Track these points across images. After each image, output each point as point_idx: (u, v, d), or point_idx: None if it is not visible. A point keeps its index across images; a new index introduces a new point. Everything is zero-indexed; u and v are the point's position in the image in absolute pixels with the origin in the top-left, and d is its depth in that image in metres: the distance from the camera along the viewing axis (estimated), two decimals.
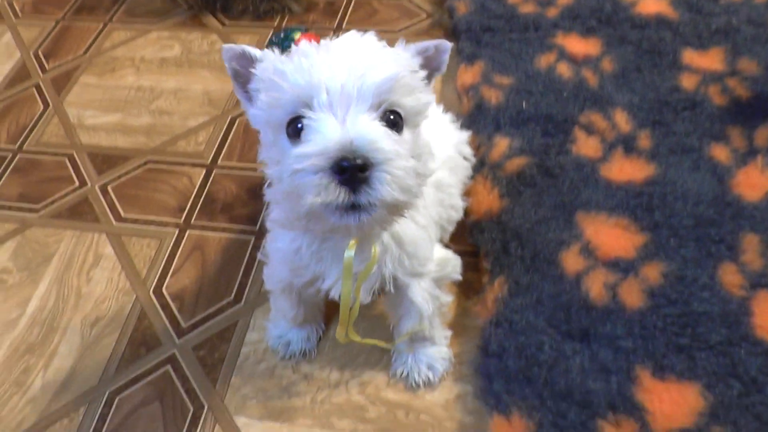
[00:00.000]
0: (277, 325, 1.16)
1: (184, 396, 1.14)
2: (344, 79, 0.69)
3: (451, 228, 1.14)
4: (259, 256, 1.06)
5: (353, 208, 0.69)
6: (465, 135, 1.20)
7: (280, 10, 1.89)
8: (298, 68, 0.70)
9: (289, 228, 0.86)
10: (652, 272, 1.14)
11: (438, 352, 1.07)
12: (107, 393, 1.17)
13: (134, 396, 1.16)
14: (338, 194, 0.67)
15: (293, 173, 0.68)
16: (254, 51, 0.79)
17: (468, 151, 1.20)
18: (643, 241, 1.18)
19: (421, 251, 0.91)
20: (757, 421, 0.98)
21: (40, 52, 1.90)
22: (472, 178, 1.27)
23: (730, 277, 1.13)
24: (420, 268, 0.92)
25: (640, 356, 1.05)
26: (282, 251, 0.91)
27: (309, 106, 0.70)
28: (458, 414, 1.06)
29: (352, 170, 0.66)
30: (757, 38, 1.56)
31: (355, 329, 0.99)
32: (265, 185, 0.83)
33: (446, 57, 0.81)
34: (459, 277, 1.03)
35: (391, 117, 0.72)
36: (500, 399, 1.02)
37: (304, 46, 0.73)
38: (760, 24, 1.59)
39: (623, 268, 1.15)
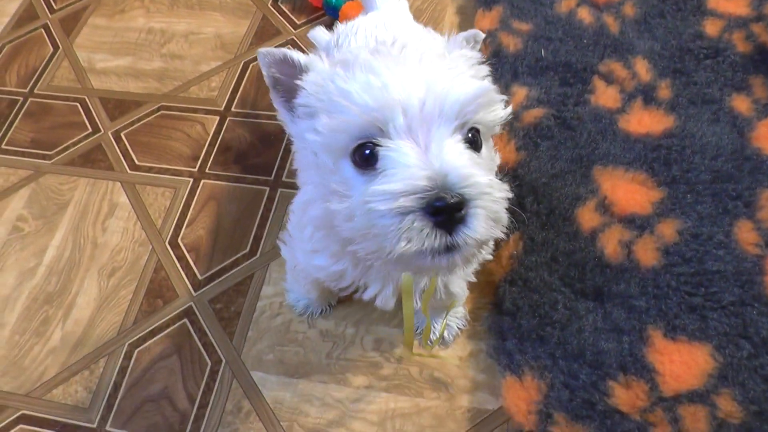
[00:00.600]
0: (293, 289, 1.15)
1: (202, 350, 1.16)
2: (423, 98, 0.60)
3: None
4: (277, 242, 1.01)
5: (448, 249, 0.61)
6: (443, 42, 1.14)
7: None
8: (366, 87, 0.61)
9: (320, 253, 0.81)
10: (668, 229, 1.13)
11: (454, 312, 1.08)
12: (126, 345, 1.19)
13: (153, 348, 1.18)
14: (435, 238, 0.59)
15: (374, 214, 0.60)
16: (299, 57, 0.69)
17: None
18: (660, 197, 1.17)
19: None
20: (765, 383, 0.99)
21: None
22: None
23: (745, 234, 1.13)
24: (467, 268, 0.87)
25: (652, 316, 1.05)
26: (322, 269, 0.84)
27: (383, 131, 0.61)
28: (471, 372, 1.08)
29: (448, 211, 0.58)
30: None
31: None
32: (294, 202, 0.74)
33: (480, 47, 0.76)
34: (491, 257, 1.00)
35: (470, 135, 0.65)
36: (513, 358, 1.03)
37: (362, 56, 0.65)
38: None
39: (639, 225, 1.14)
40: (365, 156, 0.62)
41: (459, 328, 1.09)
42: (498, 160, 0.80)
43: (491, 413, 1.05)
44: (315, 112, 0.66)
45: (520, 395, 0.99)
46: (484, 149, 0.67)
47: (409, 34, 0.96)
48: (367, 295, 0.84)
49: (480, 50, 0.73)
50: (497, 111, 0.67)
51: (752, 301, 1.06)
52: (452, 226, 0.59)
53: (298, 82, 0.68)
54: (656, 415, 0.97)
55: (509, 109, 0.70)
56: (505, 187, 0.65)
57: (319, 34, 1.11)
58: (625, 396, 0.98)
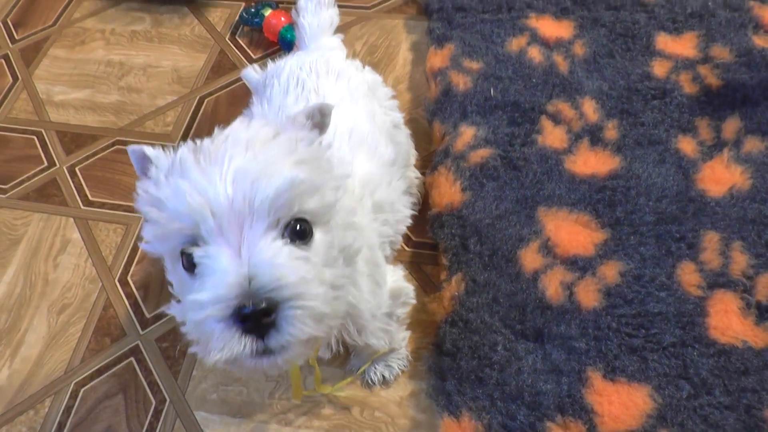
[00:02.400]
0: None
1: (147, 389, 1.16)
2: (231, 196, 0.59)
3: (400, 237, 1.07)
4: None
5: (265, 352, 0.60)
6: (378, 79, 1.14)
7: None
8: (175, 193, 0.60)
9: None
10: (610, 271, 1.15)
11: (396, 353, 1.09)
12: (72, 384, 1.19)
13: (98, 388, 1.18)
14: (243, 345, 0.58)
15: (193, 322, 0.59)
16: (150, 151, 0.68)
17: (385, 92, 1.14)
18: (603, 239, 1.19)
19: (367, 310, 0.85)
20: (704, 423, 1.00)
21: (9, 21, 1.88)
22: (432, 170, 1.28)
23: (688, 276, 1.14)
24: (370, 322, 0.88)
25: (592, 357, 1.06)
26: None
27: (198, 235, 0.60)
28: (412, 411, 1.09)
29: (255, 317, 0.57)
30: (731, 23, 1.54)
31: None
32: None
33: (329, 119, 0.72)
34: (413, 302, 1.01)
35: (298, 227, 0.63)
36: (451, 399, 1.03)
37: (182, 155, 0.63)
38: (736, 8, 1.57)
39: (581, 266, 1.16)
40: (192, 262, 0.60)
41: (400, 369, 1.10)
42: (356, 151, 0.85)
43: None
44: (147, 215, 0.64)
45: None
46: (318, 237, 0.65)
47: (329, 79, 1.00)
48: None
49: (312, 126, 0.71)
50: (324, 197, 0.65)
51: (693, 342, 1.07)
52: (263, 331, 0.58)
53: (137, 184, 0.66)
54: None
55: (341, 192, 0.68)
56: (337, 274, 0.65)
57: (250, 73, 1.11)
58: None
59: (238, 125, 0.67)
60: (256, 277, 0.57)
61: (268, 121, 0.70)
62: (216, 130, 0.67)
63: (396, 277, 0.96)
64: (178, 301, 0.65)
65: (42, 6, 1.90)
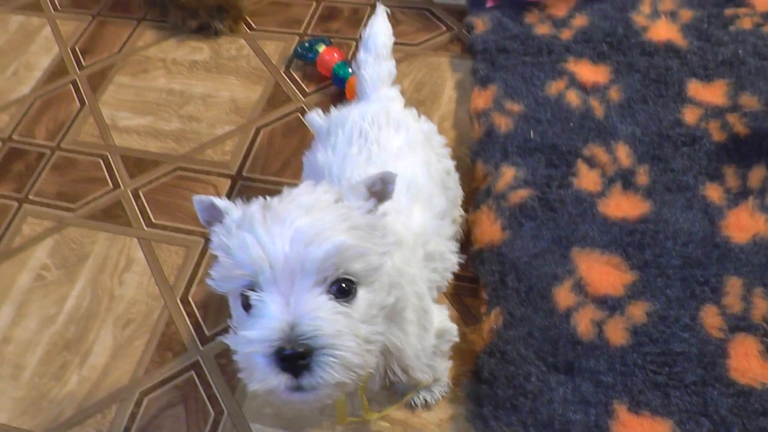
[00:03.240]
0: None
1: (206, 401, 1.27)
2: (287, 253, 0.68)
3: (447, 281, 1.15)
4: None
5: (298, 388, 0.69)
6: (433, 128, 1.24)
7: (207, 28, 1.95)
8: (241, 245, 0.70)
9: None
10: (637, 311, 1.24)
11: (438, 381, 1.18)
12: (137, 393, 1.30)
13: (161, 398, 1.28)
14: (279, 381, 0.68)
15: (243, 354, 0.69)
16: (221, 203, 0.78)
17: (439, 141, 1.24)
18: (632, 280, 1.28)
19: (413, 352, 0.94)
20: None
21: (77, 48, 2.00)
22: (475, 208, 1.38)
23: (710, 319, 1.23)
24: (415, 362, 0.96)
25: (618, 391, 1.15)
26: None
27: (256, 282, 0.69)
28: None
29: (292, 359, 0.66)
30: (761, 71, 1.61)
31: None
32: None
33: (392, 188, 0.80)
34: (456, 340, 1.10)
35: (343, 285, 0.71)
36: (488, 424, 1.13)
37: (251, 211, 0.73)
38: (765, 57, 1.65)
39: (611, 305, 1.25)
40: (249, 303, 0.70)
41: (441, 394, 1.19)
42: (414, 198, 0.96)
43: None
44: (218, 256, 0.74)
45: None
46: (361, 295, 0.73)
47: (389, 130, 1.09)
48: None
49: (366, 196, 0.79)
50: (369, 262, 0.73)
51: (713, 382, 1.15)
52: (298, 371, 0.67)
53: (212, 229, 0.77)
54: None
55: (386, 258, 0.77)
56: (372, 331, 0.74)
57: (314, 119, 1.21)
58: None
59: (304, 188, 0.76)
60: (298, 325, 0.67)
61: (332, 187, 0.79)
62: (285, 190, 0.77)
63: (441, 318, 1.05)
64: (235, 333, 0.75)
65: (108, 34, 2.02)
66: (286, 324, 0.67)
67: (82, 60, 1.96)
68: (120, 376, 1.33)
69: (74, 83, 1.89)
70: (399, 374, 0.95)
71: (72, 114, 1.81)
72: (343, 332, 0.69)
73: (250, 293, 0.70)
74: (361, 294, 0.74)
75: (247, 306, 0.71)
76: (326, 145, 1.10)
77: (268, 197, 0.77)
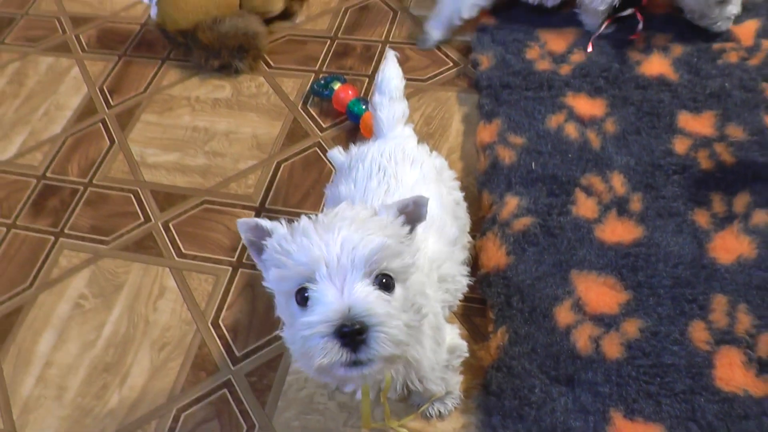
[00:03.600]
0: None
1: (239, 416, 1.38)
2: (339, 253, 0.81)
3: (458, 301, 1.30)
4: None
5: (355, 363, 0.80)
6: (444, 163, 1.37)
7: (228, 67, 2.08)
8: (300, 248, 0.82)
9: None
10: (631, 327, 1.35)
11: (450, 394, 1.30)
12: (174, 410, 1.41)
13: (197, 414, 1.40)
14: (341, 355, 0.79)
15: (302, 338, 0.80)
16: (266, 224, 0.90)
17: (449, 174, 1.36)
18: (626, 299, 1.40)
19: (428, 365, 1.06)
20: None
21: (105, 87, 2.14)
22: (482, 234, 1.50)
23: (698, 333, 1.34)
24: (431, 373, 1.08)
25: (614, 400, 1.27)
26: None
27: (312, 278, 0.82)
28: None
29: (351, 335, 0.78)
30: (746, 103, 1.73)
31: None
32: (279, 327, 0.94)
33: (425, 210, 0.93)
34: (466, 356, 1.22)
35: (383, 280, 0.84)
36: None
37: (304, 223, 0.86)
38: (750, 89, 1.77)
39: (607, 323, 1.36)
40: (304, 297, 0.83)
41: (454, 406, 1.31)
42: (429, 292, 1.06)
43: None
44: (271, 266, 0.87)
45: None
46: (398, 290, 0.87)
47: (405, 165, 1.21)
48: (346, 390, 1.10)
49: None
50: (403, 260, 0.86)
51: (701, 391, 1.27)
52: (356, 346, 0.79)
53: (264, 242, 0.89)
54: None
55: (416, 257, 0.91)
56: (412, 318, 0.87)
57: (336, 155, 1.33)
58: None
59: (344, 207, 0.90)
60: (354, 307, 0.79)
61: (368, 206, 0.93)
62: (324, 209, 0.93)
63: (453, 335, 1.17)
64: (290, 326, 0.88)
65: (133, 74, 2.16)
66: (343, 307, 0.79)
67: (110, 99, 2.09)
68: (157, 395, 1.44)
69: (103, 122, 2.02)
70: (416, 384, 1.07)
71: (102, 151, 1.94)
72: (391, 313, 0.82)
73: (309, 285, 0.82)
74: (398, 289, 0.87)
75: (302, 301, 0.83)
76: (348, 179, 1.22)
77: (313, 215, 0.90)
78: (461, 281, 1.25)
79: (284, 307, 0.89)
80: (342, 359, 0.80)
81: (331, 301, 0.80)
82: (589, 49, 1.84)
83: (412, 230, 0.93)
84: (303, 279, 0.83)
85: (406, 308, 0.88)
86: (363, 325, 0.79)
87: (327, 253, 0.82)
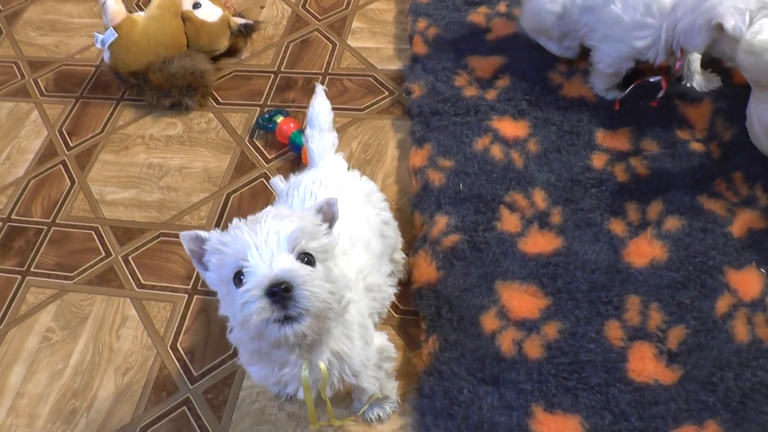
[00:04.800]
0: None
1: (198, 430, 1.50)
2: (266, 237, 0.97)
3: (386, 310, 1.40)
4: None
5: (287, 319, 0.95)
6: (373, 187, 1.49)
7: (179, 105, 2.21)
8: (234, 238, 0.99)
9: (252, 363, 1.18)
10: (551, 330, 1.49)
11: (388, 399, 1.42)
12: (138, 429, 1.53)
13: (159, 430, 1.51)
14: (273, 310, 0.94)
15: (241, 306, 0.95)
16: (204, 234, 1.06)
17: (378, 197, 1.48)
18: (547, 304, 1.54)
19: (359, 359, 1.18)
20: None
21: (64, 129, 2.25)
22: (414, 252, 1.65)
23: (613, 331, 1.48)
24: (362, 369, 1.20)
25: (536, 396, 1.40)
26: (262, 379, 1.20)
27: (246, 259, 0.96)
28: None
29: (279, 292, 0.93)
30: (659, 119, 1.88)
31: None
32: (228, 331, 1.11)
33: (336, 209, 1.09)
34: (394, 356, 1.35)
35: (305, 258, 1.00)
36: (430, 431, 1.38)
37: (236, 222, 1.03)
38: (663, 107, 1.91)
39: (528, 327, 1.50)
40: (240, 279, 0.97)
41: (392, 410, 1.44)
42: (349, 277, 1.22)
43: None
44: (211, 260, 1.03)
45: None
46: (319, 266, 1.02)
47: (335, 190, 1.35)
48: (288, 390, 1.18)
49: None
50: (319, 240, 1.03)
51: (615, 383, 1.41)
52: (285, 303, 0.95)
53: (204, 246, 1.05)
54: None
55: (331, 238, 1.07)
56: (334, 287, 1.02)
57: (277, 183, 1.45)
58: None
59: (269, 208, 1.06)
60: (279, 272, 0.95)
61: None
62: (249, 216, 1.04)
63: (381, 339, 1.30)
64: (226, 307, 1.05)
65: (90, 115, 2.27)
66: (272, 275, 0.94)
67: (69, 141, 2.20)
68: (123, 416, 1.55)
69: (63, 163, 2.14)
70: (351, 379, 1.20)
71: (64, 191, 2.05)
72: (312, 276, 0.97)
73: (243, 264, 0.97)
74: (318, 266, 1.02)
75: (239, 282, 0.97)
76: (285, 204, 1.34)
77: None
78: (387, 291, 1.36)
79: (226, 295, 1.03)
80: (274, 315, 0.95)
81: (261, 272, 0.95)
82: (616, 107, 1.94)
83: (330, 226, 1.09)
84: (238, 262, 0.97)
85: (327, 277, 1.02)
86: (288, 284, 0.94)
87: (256, 239, 0.97)
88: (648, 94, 1.92)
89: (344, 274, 1.17)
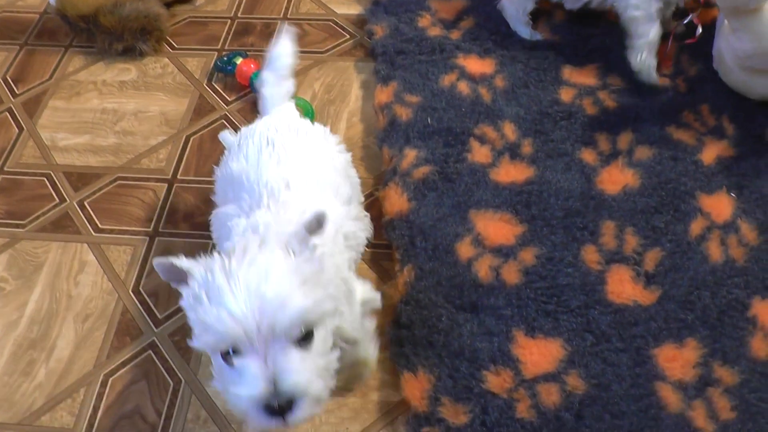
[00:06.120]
0: None
1: (165, 374, 1.44)
2: (259, 321, 0.80)
3: (361, 255, 1.33)
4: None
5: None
6: (326, 130, 1.38)
7: (133, 50, 2.12)
8: (217, 319, 0.81)
9: None
10: (528, 255, 1.47)
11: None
12: (102, 375, 1.46)
13: (125, 376, 1.45)
14: (270, 424, 0.83)
15: (232, 400, 0.85)
16: (182, 264, 0.88)
17: (334, 139, 1.37)
18: (522, 231, 1.51)
19: (350, 327, 1.10)
20: (604, 363, 1.32)
21: (8, 77, 2.14)
22: (384, 185, 1.61)
23: (590, 255, 1.46)
24: (352, 329, 1.12)
25: (516, 321, 1.37)
26: None
27: (235, 347, 0.82)
28: (380, 374, 1.38)
29: (278, 407, 0.82)
30: (625, 57, 1.85)
31: None
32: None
33: (326, 224, 0.92)
34: (379, 306, 1.27)
35: (303, 336, 0.85)
36: (409, 360, 1.34)
37: (219, 281, 0.83)
38: (626, 46, 1.87)
39: (505, 253, 1.47)
40: (228, 359, 0.84)
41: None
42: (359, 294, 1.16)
43: (395, 404, 1.35)
44: (189, 317, 0.88)
45: (415, 386, 1.30)
46: (317, 335, 0.88)
47: (291, 135, 1.25)
48: None
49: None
50: (323, 309, 0.88)
51: (594, 305, 1.39)
52: (284, 413, 0.83)
53: (182, 291, 0.89)
54: (519, 393, 1.29)
55: (335, 303, 0.94)
56: (329, 360, 0.90)
57: (226, 137, 1.37)
58: (496, 381, 1.30)
59: (254, 245, 0.87)
60: (279, 382, 0.82)
61: (279, 238, 0.90)
62: (236, 248, 0.88)
63: (365, 290, 1.21)
64: (220, 381, 0.90)
65: (37, 63, 2.17)
66: (268, 380, 0.81)
67: (15, 88, 2.10)
68: (85, 364, 1.48)
69: (10, 110, 2.03)
70: (344, 346, 1.13)
71: (11, 139, 1.95)
72: (312, 378, 0.85)
73: (232, 355, 0.83)
74: (317, 334, 0.88)
75: (227, 360, 0.84)
76: (239, 155, 1.24)
77: (224, 256, 0.87)
78: (361, 236, 1.30)
79: (213, 358, 0.90)
80: (270, 425, 0.85)
81: (255, 373, 0.82)
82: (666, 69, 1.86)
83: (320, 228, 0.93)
84: (224, 347, 0.84)
85: (325, 350, 0.90)
86: (289, 400, 0.83)
87: (246, 324, 0.81)
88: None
89: (336, 264, 1.07)
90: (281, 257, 0.87)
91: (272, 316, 0.81)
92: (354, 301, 1.17)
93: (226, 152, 1.36)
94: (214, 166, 1.38)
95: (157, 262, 0.89)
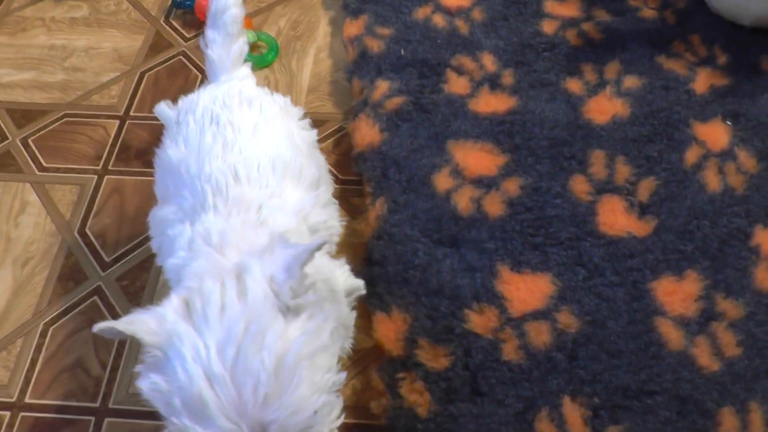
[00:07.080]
0: None
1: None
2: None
3: (336, 241, 1.11)
4: None
5: None
6: (287, 100, 1.16)
7: None
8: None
9: None
10: (512, 186, 1.34)
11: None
12: (41, 325, 1.32)
13: (67, 325, 1.31)
14: None
15: None
16: (127, 329, 0.71)
17: (296, 112, 1.16)
18: (505, 161, 1.39)
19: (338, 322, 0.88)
20: (598, 298, 1.21)
21: None
22: (354, 117, 1.48)
23: (579, 186, 1.35)
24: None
25: (500, 255, 1.25)
26: None
27: None
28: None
29: None
30: None
31: None
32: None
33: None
34: (364, 293, 1.05)
35: None
36: (382, 299, 1.21)
37: (199, 389, 0.65)
38: None
39: (486, 183, 1.35)
40: None
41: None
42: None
43: (367, 351, 1.23)
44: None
45: (389, 327, 1.18)
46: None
47: (242, 109, 1.02)
48: None
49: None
50: (330, 406, 0.71)
51: (586, 236, 1.28)
52: None
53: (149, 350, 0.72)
54: (506, 333, 1.17)
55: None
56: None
57: (163, 110, 1.13)
58: (479, 320, 1.18)
59: (232, 299, 0.69)
60: None
61: (262, 276, 0.72)
62: (204, 302, 0.72)
63: (345, 276, 1.00)
64: None
65: None
66: None
67: None
68: (23, 312, 1.34)
69: None
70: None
71: None
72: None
73: None
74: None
75: None
76: (177, 138, 1.02)
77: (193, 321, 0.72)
78: (335, 225, 1.07)
79: None
80: None
81: None
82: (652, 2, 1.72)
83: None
84: None
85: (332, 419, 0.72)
86: None
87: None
88: None
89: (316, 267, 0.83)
90: (281, 324, 0.68)
91: (280, 428, 0.64)
92: (340, 299, 0.95)
93: (165, 129, 1.12)
94: (155, 149, 1.12)
95: (98, 329, 0.70)
